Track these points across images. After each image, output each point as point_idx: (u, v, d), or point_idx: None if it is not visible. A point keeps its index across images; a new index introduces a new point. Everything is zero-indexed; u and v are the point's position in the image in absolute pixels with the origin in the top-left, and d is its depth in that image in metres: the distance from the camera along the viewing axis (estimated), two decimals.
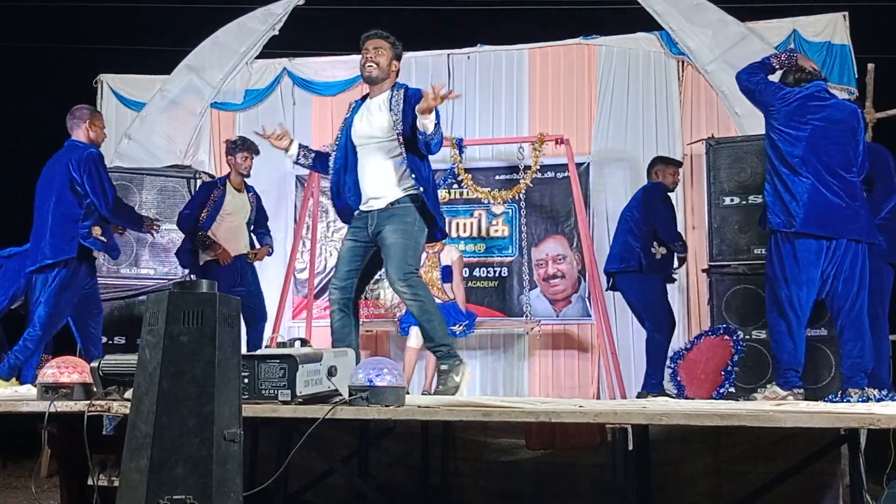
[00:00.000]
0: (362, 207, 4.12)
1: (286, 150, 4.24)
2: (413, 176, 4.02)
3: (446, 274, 6.11)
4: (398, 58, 4.16)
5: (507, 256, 6.92)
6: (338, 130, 4.25)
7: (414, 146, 3.99)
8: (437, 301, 6.04)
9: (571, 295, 6.84)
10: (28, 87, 9.32)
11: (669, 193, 5.81)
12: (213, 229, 5.65)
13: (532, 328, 6.38)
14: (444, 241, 6.26)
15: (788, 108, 4.29)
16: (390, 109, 4.06)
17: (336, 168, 4.17)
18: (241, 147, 5.70)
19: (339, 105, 6.83)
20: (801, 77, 4.37)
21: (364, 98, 4.22)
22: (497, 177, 6.89)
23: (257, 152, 5.75)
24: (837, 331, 4.44)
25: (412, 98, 4.01)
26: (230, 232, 5.75)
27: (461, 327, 5.90)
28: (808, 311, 4.39)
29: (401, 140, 4.01)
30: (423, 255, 6.17)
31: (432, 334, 3.97)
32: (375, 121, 4.08)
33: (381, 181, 4.06)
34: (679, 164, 5.95)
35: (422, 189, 4.03)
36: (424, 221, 4.06)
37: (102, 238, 4.95)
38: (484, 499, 4.74)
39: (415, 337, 5.90)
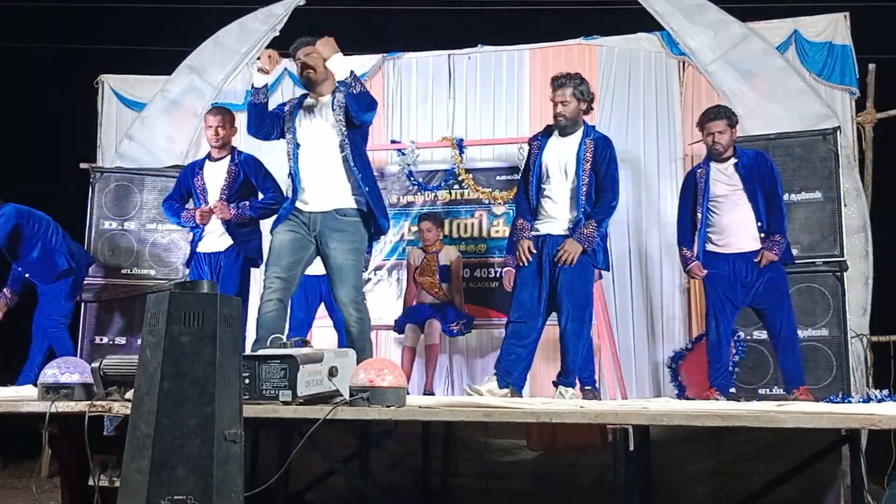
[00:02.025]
0: (301, 206, 4.09)
1: (265, 73, 4.13)
2: (360, 176, 4.06)
3: (444, 274, 6.11)
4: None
5: None
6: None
7: (357, 141, 4.06)
8: (435, 301, 6.06)
9: None
10: (28, 87, 9.32)
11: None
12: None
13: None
14: (442, 240, 6.29)
15: None
16: (333, 110, 4.08)
17: (289, 157, 4.19)
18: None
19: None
20: None
21: (305, 96, 4.24)
22: (498, 177, 6.87)
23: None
24: None
25: (346, 98, 4.05)
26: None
27: (459, 326, 5.90)
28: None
29: (345, 139, 4.04)
30: (422, 256, 6.18)
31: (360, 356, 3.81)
32: (318, 120, 4.11)
33: (323, 182, 4.07)
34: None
35: (367, 189, 4.08)
36: (366, 226, 4.10)
37: None
38: (485, 499, 4.74)
39: (411, 335, 5.89)
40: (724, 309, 4.76)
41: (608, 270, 5.30)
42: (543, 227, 4.49)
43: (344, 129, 4.05)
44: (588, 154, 4.42)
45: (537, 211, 4.54)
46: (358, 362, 3.67)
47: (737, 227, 4.75)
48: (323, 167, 4.09)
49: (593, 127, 4.68)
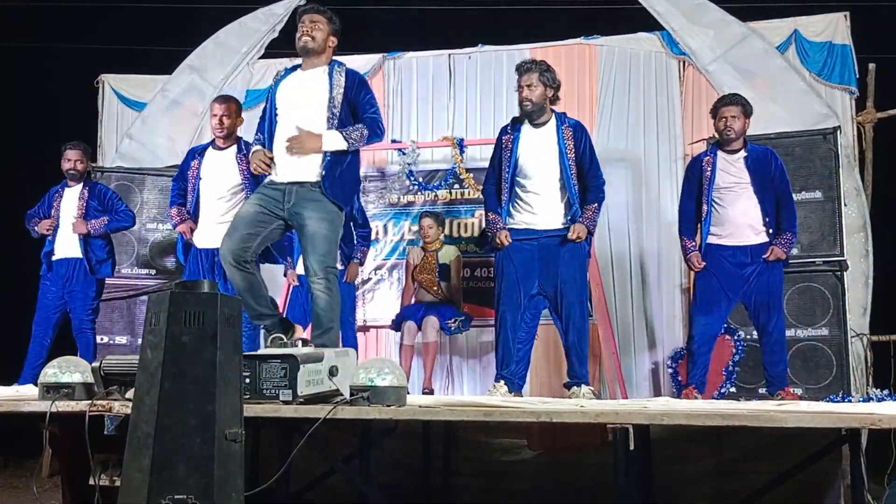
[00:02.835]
0: (277, 179, 3.91)
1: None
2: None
3: (443, 272, 6.11)
4: (335, 34, 4.04)
5: None
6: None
7: (346, 124, 3.90)
8: (433, 300, 6.06)
9: None
10: (29, 87, 9.32)
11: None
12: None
13: None
14: (442, 240, 6.28)
15: None
16: (330, 84, 3.92)
17: (268, 122, 4.02)
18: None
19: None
20: None
21: (295, 67, 4.08)
22: None
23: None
24: None
25: (354, 78, 3.96)
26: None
27: (457, 323, 5.89)
28: None
29: (334, 115, 3.88)
30: (421, 254, 6.17)
31: (321, 321, 3.78)
32: (308, 91, 3.94)
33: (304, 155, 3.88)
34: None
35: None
36: (342, 215, 3.95)
37: None
38: (485, 498, 4.75)
39: (408, 333, 5.89)
40: (718, 302, 4.68)
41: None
42: (529, 221, 4.44)
43: (337, 110, 3.89)
44: (569, 143, 4.41)
45: (514, 205, 4.47)
46: (325, 344, 3.63)
47: (740, 219, 4.68)
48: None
49: (564, 114, 4.63)
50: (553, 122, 4.51)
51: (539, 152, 4.45)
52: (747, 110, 4.76)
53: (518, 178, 4.49)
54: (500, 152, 4.59)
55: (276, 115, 3.97)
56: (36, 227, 5.60)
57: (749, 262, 4.67)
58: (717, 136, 4.86)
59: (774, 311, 4.65)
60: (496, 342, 4.53)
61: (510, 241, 4.42)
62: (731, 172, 4.73)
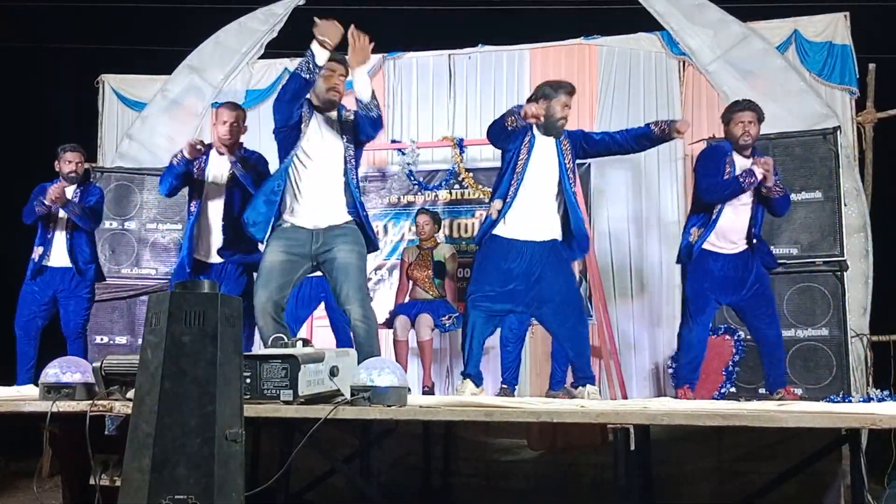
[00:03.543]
0: (298, 223, 3.98)
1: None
2: (355, 192, 4.02)
3: (438, 270, 6.11)
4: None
5: None
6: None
7: (358, 157, 4.03)
8: (427, 297, 6.06)
9: None
10: (30, 87, 9.32)
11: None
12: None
13: (533, 328, 6.37)
14: (440, 238, 6.30)
15: None
16: (341, 124, 4.02)
17: (293, 167, 4.01)
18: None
19: None
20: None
21: (310, 108, 4.04)
22: None
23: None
24: None
25: (359, 116, 3.97)
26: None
27: (451, 320, 5.89)
28: None
29: (351, 156, 3.99)
30: (416, 252, 6.18)
31: (362, 351, 3.80)
32: (327, 134, 4.01)
33: (325, 198, 3.99)
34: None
35: (360, 205, 4.04)
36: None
37: None
38: (485, 498, 4.75)
39: (401, 329, 5.88)
40: (705, 310, 4.66)
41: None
42: (523, 231, 4.30)
43: (352, 147, 4.00)
44: (568, 156, 4.36)
45: (511, 207, 4.32)
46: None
47: (739, 228, 4.62)
48: (327, 183, 4.00)
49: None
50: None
51: (544, 162, 4.37)
52: (760, 116, 4.70)
53: (522, 181, 4.35)
54: (517, 148, 4.37)
55: (307, 157, 3.99)
56: (45, 200, 5.28)
57: (742, 270, 4.62)
58: (730, 140, 4.69)
59: (770, 318, 4.62)
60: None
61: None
62: None
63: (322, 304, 5.69)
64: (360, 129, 3.99)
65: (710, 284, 4.65)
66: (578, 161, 5.62)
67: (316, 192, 3.99)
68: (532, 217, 4.32)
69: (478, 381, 4.36)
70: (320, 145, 4.00)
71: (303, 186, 3.99)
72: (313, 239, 3.95)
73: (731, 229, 4.64)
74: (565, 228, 4.36)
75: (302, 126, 3.98)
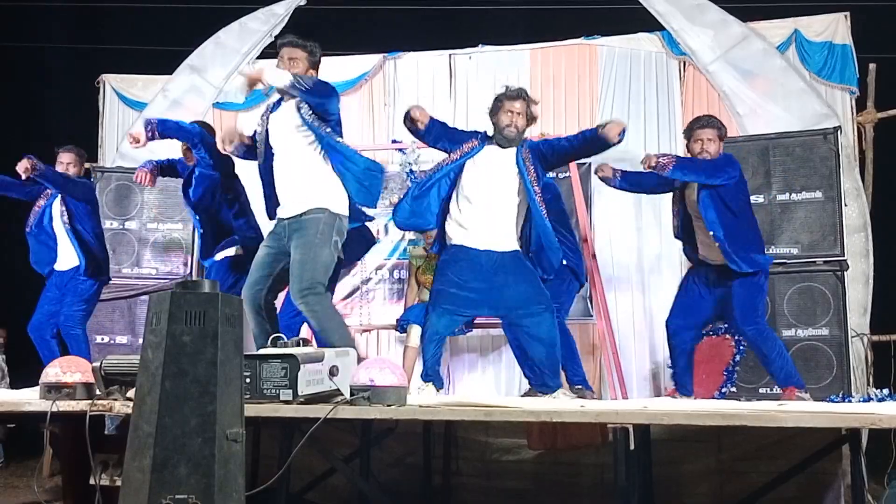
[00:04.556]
0: (279, 214, 4.01)
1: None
2: (341, 157, 3.89)
3: None
4: (315, 66, 4.03)
5: None
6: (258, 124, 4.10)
7: (333, 132, 3.92)
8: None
9: None
10: (30, 87, 9.33)
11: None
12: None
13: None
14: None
15: None
16: (298, 110, 3.90)
17: (261, 166, 4.04)
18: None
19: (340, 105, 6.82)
20: None
21: (281, 99, 4.04)
22: None
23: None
24: None
25: (302, 99, 3.92)
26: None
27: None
28: None
29: (317, 142, 3.89)
30: (424, 255, 6.16)
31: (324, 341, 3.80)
32: (292, 123, 3.93)
33: (294, 188, 3.94)
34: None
35: (350, 164, 3.90)
36: (334, 228, 3.88)
37: None
38: (485, 498, 4.75)
39: (414, 335, 5.89)
40: (694, 311, 4.65)
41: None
42: (477, 240, 4.25)
43: (315, 125, 3.88)
44: (528, 164, 4.23)
45: (455, 217, 4.29)
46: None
47: (707, 242, 4.57)
48: (294, 172, 3.95)
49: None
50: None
51: (499, 171, 4.29)
52: (722, 133, 4.66)
53: (465, 192, 4.32)
54: (459, 155, 4.39)
55: (271, 149, 3.99)
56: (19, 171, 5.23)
57: (717, 280, 4.57)
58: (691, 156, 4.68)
59: (749, 322, 4.51)
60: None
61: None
62: None
63: None
64: (311, 106, 3.88)
65: (698, 290, 4.66)
66: (579, 161, 5.65)
67: (283, 181, 3.97)
68: (488, 227, 4.24)
69: (438, 384, 4.33)
70: (280, 138, 3.97)
71: (278, 181, 3.99)
72: (283, 232, 3.94)
73: (704, 243, 4.60)
74: (536, 241, 4.22)
75: (265, 131, 4.00)
